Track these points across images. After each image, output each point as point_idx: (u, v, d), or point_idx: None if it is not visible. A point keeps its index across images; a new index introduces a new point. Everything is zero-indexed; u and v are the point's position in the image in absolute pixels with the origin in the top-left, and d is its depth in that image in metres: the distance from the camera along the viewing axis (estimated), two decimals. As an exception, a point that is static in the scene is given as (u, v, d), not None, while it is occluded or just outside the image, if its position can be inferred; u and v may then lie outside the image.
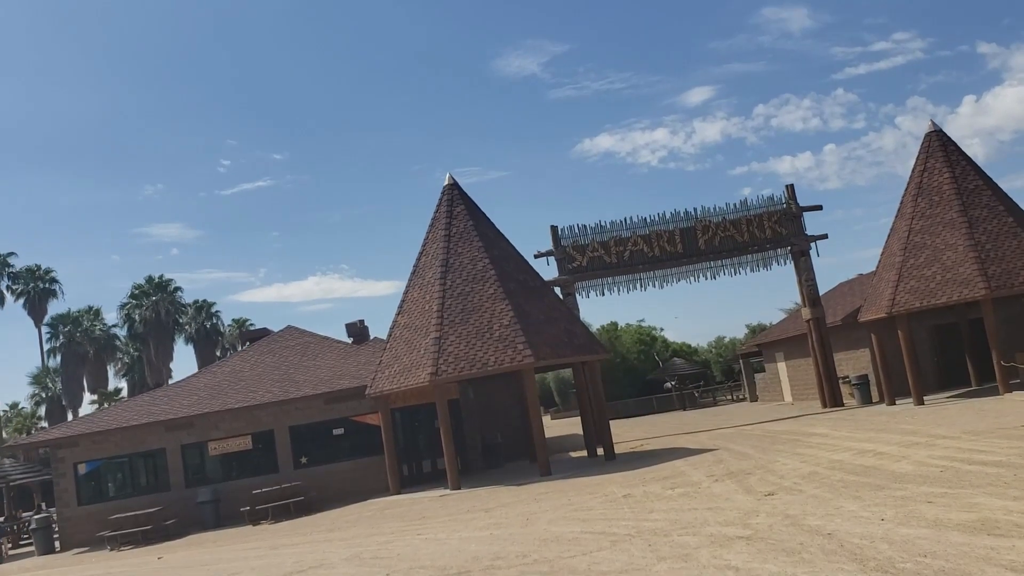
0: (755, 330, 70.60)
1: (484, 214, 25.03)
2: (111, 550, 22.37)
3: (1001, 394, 23.82)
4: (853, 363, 32.93)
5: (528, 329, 22.13)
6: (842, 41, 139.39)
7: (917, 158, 27.44)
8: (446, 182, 25.03)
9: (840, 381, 32.03)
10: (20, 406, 58.76)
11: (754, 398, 48.08)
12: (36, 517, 24.89)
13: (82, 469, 24.77)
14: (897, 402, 27.00)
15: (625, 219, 31.94)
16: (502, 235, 24.96)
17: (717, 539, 9.63)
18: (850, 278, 42.39)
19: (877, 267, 27.64)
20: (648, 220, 32.06)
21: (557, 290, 31.09)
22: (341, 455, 25.08)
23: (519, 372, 22.47)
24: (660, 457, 22.33)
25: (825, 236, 32.19)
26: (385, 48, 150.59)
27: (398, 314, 24.02)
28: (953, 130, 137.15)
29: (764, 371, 45.09)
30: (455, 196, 24.73)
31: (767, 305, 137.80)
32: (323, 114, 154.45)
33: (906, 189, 27.45)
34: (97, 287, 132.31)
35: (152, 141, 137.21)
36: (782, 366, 40.92)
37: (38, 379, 58.97)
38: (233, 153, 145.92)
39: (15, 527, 28.71)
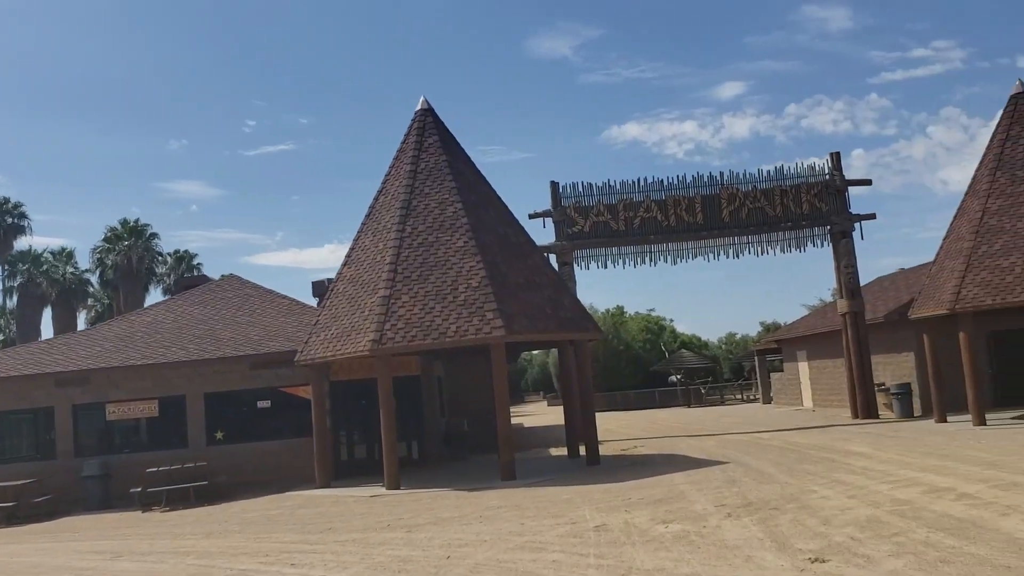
0: (770, 328, 65.76)
1: (463, 151, 20.33)
2: (-38, 530, 17.94)
3: (1090, 421, 19.03)
4: (892, 369, 28.11)
5: (503, 294, 17.48)
6: (881, 45, 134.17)
7: (998, 125, 22.51)
8: (419, 107, 20.31)
9: (875, 388, 27.25)
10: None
11: (768, 400, 43.34)
12: None
13: (-50, 426, 20.31)
14: (948, 419, 22.24)
15: (638, 180, 27.20)
16: (483, 178, 20.26)
17: None
18: (891, 272, 37.53)
19: (938, 254, 22.76)
20: (666, 183, 27.27)
21: (552, 258, 26.40)
22: (266, 433, 20.43)
23: (491, 348, 17.65)
24: (655, 466, 17.71)
25: (873, 216, 27.38)
26: (417, 16, 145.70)
27: (344, 265, 19.38)
28: (986, 143, 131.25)
29: (782, 371, 40.27)
30: (428, 124, 20.00)
31: (786, 302, 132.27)
32: (352, 82, 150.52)
33: (982, 161, 22.52)
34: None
35: (180, 96, 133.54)
36: (804, 366, 36.10)
37: (-9, 319, 54.67)
38: (259, 114, 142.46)
39: None
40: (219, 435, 20.38)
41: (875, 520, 9.76)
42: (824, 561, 7.85)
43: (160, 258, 60.13)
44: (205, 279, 27.52)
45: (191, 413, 20.36)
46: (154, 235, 58.69)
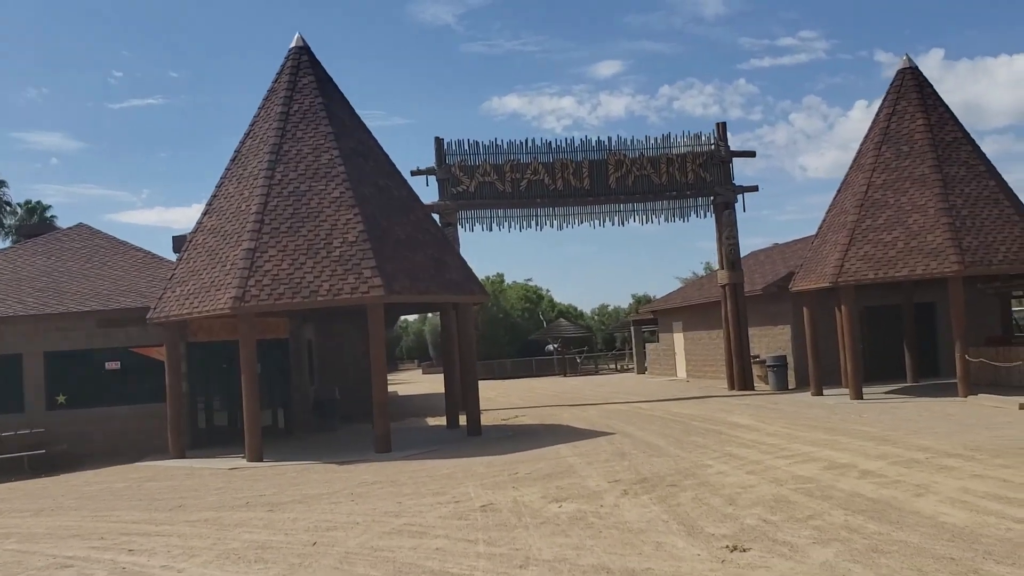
0: (641, 300, 66.44)
1: (342, 94, 18.80)
2: None
3: (962, 396, 19.23)
4: (767, 341, 28.26)
5: (382, 251, 16.18)
6: (752, 32, 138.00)
7: (885, 99, 22.51)
8: (293, 44, 18.64)
9: (751, 360, 27.30)
10: None
11: (642, 370, 43.48)
12: None
13: None
14: (824, 392, 22.33)
15: (526, 141, 26.26)
16: (363, 124, 18.81)
17: None
18: (766, 247, 37.99)
19: (821, 227, 22.73)
20: (554, 145, 26.45)
21: (435, 219, 25.17)
22: (115, 397, 18.50)
23: (368, 309, 16.30)
24: (539, 437, 16.89)
25: (755, 188, 27.26)
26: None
27: (205, 214, 17.63)
28: (843, 132, 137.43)
29: (658, 341, 40.36)
30: (303, 63, 18.36)
31: (657, 275, 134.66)
32: (226, 40, 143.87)
33: (867, 135, 22.52)
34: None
35: (40, 39, 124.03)
36: (679, 337, 36.17)
37: None
38: (127, 65, 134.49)
39: None
40: (61, 399, 18.34)
41: (783, 500, 9.10)
42: (744, 550, 7.05)
43: (8, 208, 55.83)
44: (52, 228, 24.95)
45: (28, 374, 18.24)
46: (2, 183, 54.57)
